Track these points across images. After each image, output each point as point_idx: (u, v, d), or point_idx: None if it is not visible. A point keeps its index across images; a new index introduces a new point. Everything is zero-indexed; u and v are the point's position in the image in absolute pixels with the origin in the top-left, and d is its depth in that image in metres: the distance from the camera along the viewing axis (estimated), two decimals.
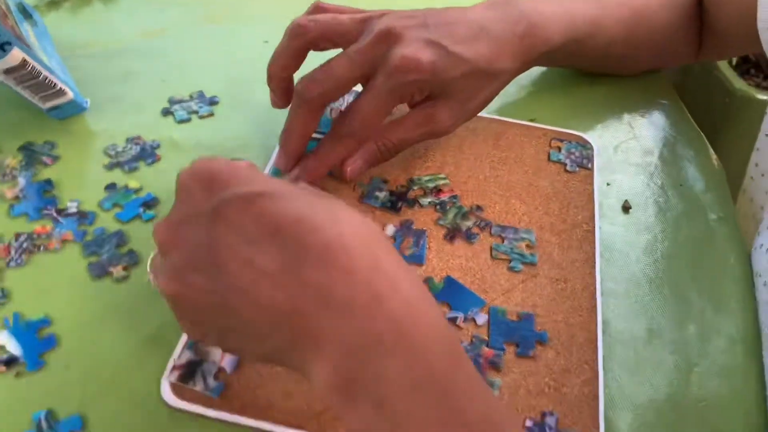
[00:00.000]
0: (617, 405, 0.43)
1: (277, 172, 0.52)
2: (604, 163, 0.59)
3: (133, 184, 0.52)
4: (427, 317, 0.30)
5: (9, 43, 0.48)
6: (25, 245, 0.47)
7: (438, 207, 0.53)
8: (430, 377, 0.28)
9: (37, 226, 0.48)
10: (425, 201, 0.53)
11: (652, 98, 0.67)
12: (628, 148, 0.61)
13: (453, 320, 0.45)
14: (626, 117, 0.65)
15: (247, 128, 0.58)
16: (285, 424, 0.39)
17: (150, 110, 0.58)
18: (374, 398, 0.28)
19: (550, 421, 0.41)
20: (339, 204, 0.32)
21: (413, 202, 0.52)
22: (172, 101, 0.59)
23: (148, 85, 0.61)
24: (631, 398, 0.43)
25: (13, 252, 0.46)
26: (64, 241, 0.47)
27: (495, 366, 0.43)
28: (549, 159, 0.58)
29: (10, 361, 0.41)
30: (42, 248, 0.47)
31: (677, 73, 0.95)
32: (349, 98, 0.60)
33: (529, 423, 0.40)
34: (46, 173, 0.52)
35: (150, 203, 0.51)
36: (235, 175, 0.33)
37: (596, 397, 0.42)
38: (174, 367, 0.41)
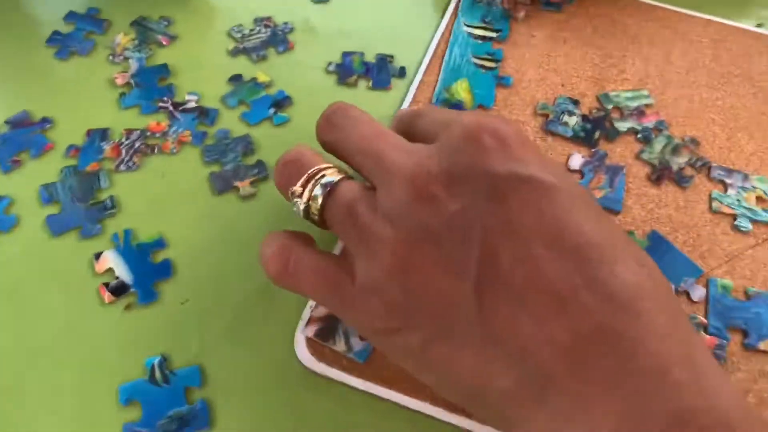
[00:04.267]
0: None
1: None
2: None
3: (262, 77, 0.43)
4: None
5: None
6: (137, 145, 0.39)
7: (640, 135, 0.41)
8: None
9: (151, 122, 0.40)
10: (623, 126, 0.41)
11: None
12: None
13: None
14: None
15: (398, 15, 0.47)
16: (447, 408, 0.31)
17: None
18: None
19: None
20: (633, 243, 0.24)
21: (615, 133, 0.41)
22: None
23: None
24: None
25: (123, 152, 0.39)
26: (181, 143, 0.39)
27: (716, 359, 0.33)
28: None
29: (119, 289, 0.34)
30: (156, 150, 0.39)
31: None
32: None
33: None
34: (161, 56, 0.44)
35: (281, 103, 0.41)
36: (531, 151, 0.24)
37: None
38: (311, 320, 0.33)
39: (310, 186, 0.27)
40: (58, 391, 0.31)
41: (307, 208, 0.28)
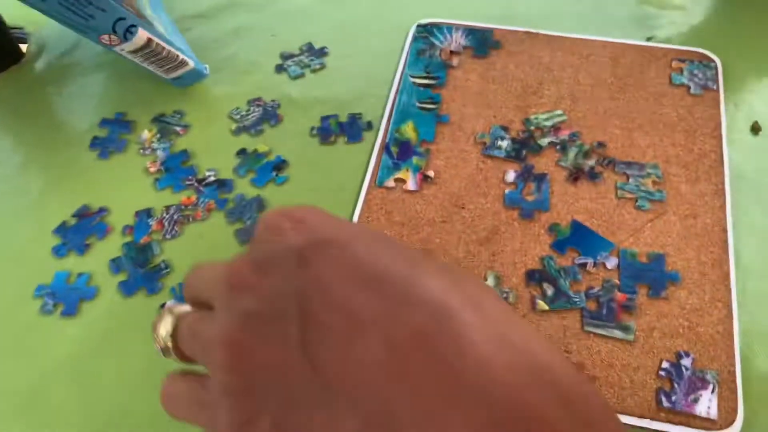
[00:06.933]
0: (753, 340, 0.44)
1: None
2: (731, 82, 0.56)
3: (261, 147, 0.55)
4: (597, 391, 0.24)
5: (134, 26, 0.50)
6: (175, 217, 0.51)
7: (558, 147, 0.52)
8: None
9: (182, 197, 0.52)
10: (544, 141, 0.53)
11: None
12: (760, 61, 0.58)
13: (583, 266, 0.46)
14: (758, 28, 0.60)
15: (360, 78, 0.59)
16: None
17: (265, 68, 0.60)
18: None
19: (685, 361, 0.42)
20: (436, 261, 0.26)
21: (537, 148, 0.52)
22: (284, 56, 0.61)
23: (259, 41, 0.62)
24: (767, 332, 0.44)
25: (166, 224, 0.51)
26: (209, 210, 0.51)
27: (628, 310, 0.44)
28: (671, 82, 0.56)
29: None
30: (190, 219, 0.51)
31: None
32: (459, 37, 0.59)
33: (665, 365, 0.42)
34: (180, 143, 0.56)
35: (280, 166, 0.53)
36: (328, 220, 0.27)
37: (731, 334, 0.43)
38: None
39: (162, 325, 0.29)
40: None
41: (166, 345, 0.29)
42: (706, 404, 0.41)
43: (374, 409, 0.21)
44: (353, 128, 0.55)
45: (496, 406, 0.20)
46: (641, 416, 0.41)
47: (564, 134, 0.53)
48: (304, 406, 0.22)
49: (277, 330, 0.23)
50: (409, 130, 0.54)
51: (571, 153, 0.52)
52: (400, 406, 0.20)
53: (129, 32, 0.50)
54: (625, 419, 0.41)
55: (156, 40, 0.53)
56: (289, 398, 0.23)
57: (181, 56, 0.55)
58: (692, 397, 0.41)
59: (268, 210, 0.32)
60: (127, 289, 0.48)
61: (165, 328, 0.29)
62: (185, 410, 0.27)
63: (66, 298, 0.48)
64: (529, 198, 0.50)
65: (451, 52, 0.59)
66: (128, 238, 0.50)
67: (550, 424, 0.20)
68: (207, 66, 0.60)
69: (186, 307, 0.29)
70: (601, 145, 0.52)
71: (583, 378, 0.22)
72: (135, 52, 0.53)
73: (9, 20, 0.62)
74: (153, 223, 0.51)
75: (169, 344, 0.28)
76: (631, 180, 0.50)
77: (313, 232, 0.25)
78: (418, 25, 0.61)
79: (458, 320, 0.21)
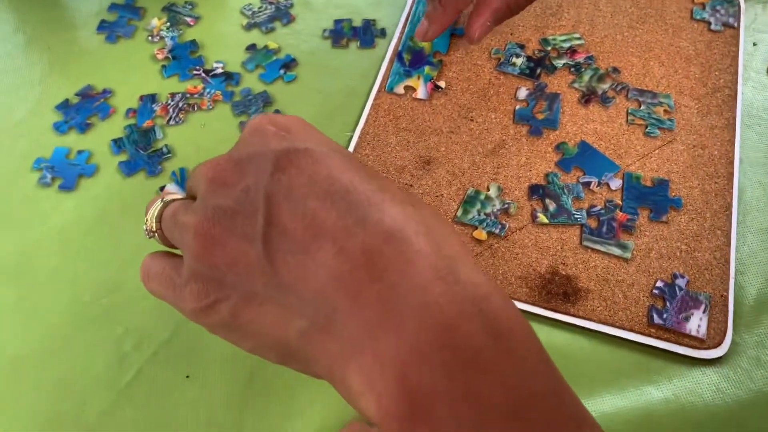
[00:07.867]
0: (748, 270, 0.44)
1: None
2: (751, 21, 0.55)
3: (272, 45, 0.54)
4: (526, 325, 0.23)
5: None
6: (180, 104, 0.50)
7: (573, 69, 0.52)
8: (535, 402, 0.21)
9: (188, 86, 0.51)
10: (559, 63, 0.52)
11: None
12: None
13: (587, 185, 0.46)
14: None
15: None
16: None
17: None
18: (459, 424, 0.21)
19: (680, 282, 0.42)
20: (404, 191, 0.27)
21: (552, 68, 0.52)
22: None
23: None
24: (763, 264, 0.44)
25: (170, 111, 0.50)
26: (215, 101, 0.51)
27: (628, 230, 0.44)
28: (692, 17, 0.55)
29: None
30: (195, 107, 0.50)
31: None
32: None
33: (660, 284, 0.42)
34: (190, 34, 0.54)
35: (289, 64, 0.52)
36: (311, 133, 0.29)
37: (728, 261, 0.43)
38: None
39: (152, 209, 0.31)
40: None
41: (151, 228, 0.31)
42: (697, 323, 0.41)
43: (320, 313, 0.23)
44: (367, 34, 0.54)
45: (427, 327, 0.21)
46: (631, 330, 0.41)
47: (580, 57, 0.52)
48: (260, 300, 0.25)
49: (245, 226, 0.25)
50: None
51: (586, 76, 0.51)
52: (342, 314, 0.22)
53: None
54: (614, 332, 0.41)
55: None
56: (249, 290, 0.25)
57: None
58: (684, 315, 0.41)
59: (256, 115, 0.35)
60: (128, 169, 0.47)
61: (153, 212, 0.31)
62: (157, 286, 0.30)
63: (65, 172, 0.47)
64: (540, 116, 0.49)
65: None
66: (131, 121, 0.50)
67: (474, 350, 0.21)
68: None
69: (177, 195, 0.32)
70: (616, 70, 0.52)
71: (517, 313, 0.23)
72: None
73: None
74: (157, 108, 0.50)
75: (154, 227, 0.31)
76: (642, 107, 0.50)
77: (293, 141, 0.27)
78: None
79: (409, 246, 0.23)
